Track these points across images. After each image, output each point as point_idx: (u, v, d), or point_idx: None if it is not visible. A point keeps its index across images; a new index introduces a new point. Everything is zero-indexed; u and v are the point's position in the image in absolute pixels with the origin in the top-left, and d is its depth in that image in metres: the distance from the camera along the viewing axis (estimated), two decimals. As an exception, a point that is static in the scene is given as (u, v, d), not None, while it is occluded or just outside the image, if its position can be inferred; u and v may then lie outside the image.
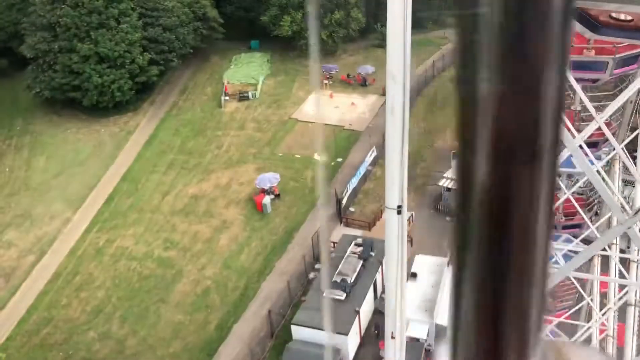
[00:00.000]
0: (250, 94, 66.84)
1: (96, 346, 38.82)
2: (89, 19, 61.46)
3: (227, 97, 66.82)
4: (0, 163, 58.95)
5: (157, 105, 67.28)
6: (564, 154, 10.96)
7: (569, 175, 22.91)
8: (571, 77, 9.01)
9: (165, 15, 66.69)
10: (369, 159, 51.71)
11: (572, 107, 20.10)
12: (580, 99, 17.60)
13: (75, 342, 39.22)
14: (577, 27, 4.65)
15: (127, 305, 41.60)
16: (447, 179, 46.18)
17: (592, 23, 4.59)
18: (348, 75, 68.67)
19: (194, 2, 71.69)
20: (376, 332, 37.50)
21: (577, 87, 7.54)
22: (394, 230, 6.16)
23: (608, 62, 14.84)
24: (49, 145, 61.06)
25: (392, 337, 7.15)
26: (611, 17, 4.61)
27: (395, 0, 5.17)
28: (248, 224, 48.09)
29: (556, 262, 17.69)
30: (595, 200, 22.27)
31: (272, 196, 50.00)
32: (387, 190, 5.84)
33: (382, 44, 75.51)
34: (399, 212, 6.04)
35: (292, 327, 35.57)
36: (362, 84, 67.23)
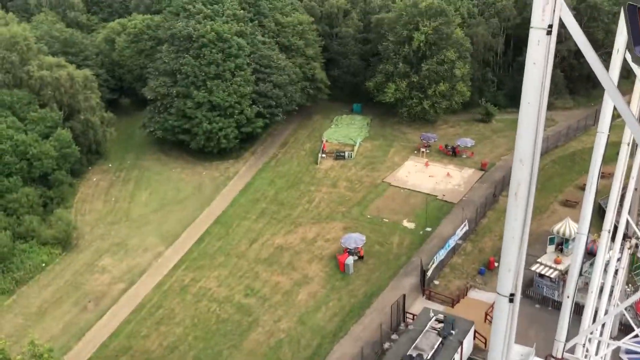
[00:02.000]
0: (346, 154, 68.01)
1: (167, 382, 39.44)
2: (207, 69, 66.21)
3: (324, 155, 68.40)
4: (107, 192, 63.43)
5: (258, 155, 70.11)
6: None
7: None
8: None
9: (277, 73, 70.43)
10: (460, 232, 50.17)
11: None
12: None
13: (148, 374, 40.12)
14: None
15: (202, 345, 42.21)
16: (541, 265, 43.76)
17: None
18: (446, 146, 68.17)
19: (305, 63, 75.48)
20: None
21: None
22: (503, 318, 5.80)
23: None
24: (154, 181, 65.01)
25: None
26: None
27: (530, 86, 5.05)
28: (329, 282, 47.85)
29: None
30: None
31: (356, 257, 49.64)
32: (500, 276, 5.52)
33: (484, 119, 74.88)
34: (511, 301, 5.69)
35: (361, 396, 34.30)
36: (452, 153, 66.59)
